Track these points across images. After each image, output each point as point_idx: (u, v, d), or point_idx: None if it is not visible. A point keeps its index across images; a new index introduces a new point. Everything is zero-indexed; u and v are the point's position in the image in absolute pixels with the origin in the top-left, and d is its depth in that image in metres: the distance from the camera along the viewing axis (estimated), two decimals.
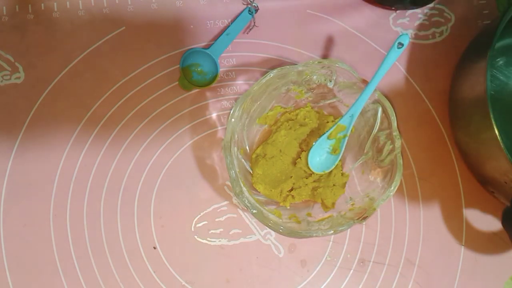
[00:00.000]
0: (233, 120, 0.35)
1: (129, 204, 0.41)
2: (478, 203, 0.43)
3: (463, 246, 0.42)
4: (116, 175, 0.41)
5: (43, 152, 0.41)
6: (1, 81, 0.41)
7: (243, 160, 0.39)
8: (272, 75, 0.36)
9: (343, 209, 0.38)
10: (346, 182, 0.40)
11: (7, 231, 0.40)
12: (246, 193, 0.35)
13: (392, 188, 0.35)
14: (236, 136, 0.36)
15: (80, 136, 0.41)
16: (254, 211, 0.34)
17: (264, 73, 0.40)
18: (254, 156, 0.40)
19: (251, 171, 0.40)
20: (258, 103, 0.38)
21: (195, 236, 0.41)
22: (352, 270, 0.41)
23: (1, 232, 0.40)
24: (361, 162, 0.40)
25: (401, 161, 0.35)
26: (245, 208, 0.35)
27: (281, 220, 0.37)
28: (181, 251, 0.41)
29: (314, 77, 0.37)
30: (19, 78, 0.41)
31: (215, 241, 0.41)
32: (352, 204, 0.38)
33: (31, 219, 0.40)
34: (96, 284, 0.40)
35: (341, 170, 0.40)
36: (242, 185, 0.35)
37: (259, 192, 0.39)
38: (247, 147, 0.40)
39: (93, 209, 0.40)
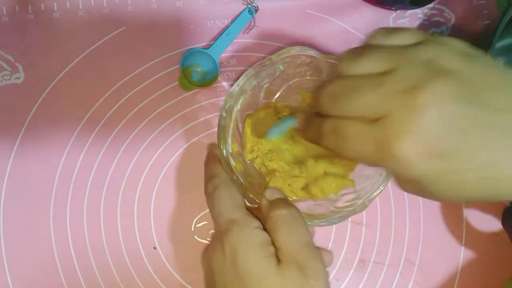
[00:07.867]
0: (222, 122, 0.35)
1: (129, 204, 0.41)
2: (478, 203, 0.43)
3: (463, 246, 0.42)
4: (116, 175, 0.41)
5: (43, 152, 0.41)
6: (1, 81, 0.41)
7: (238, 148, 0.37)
8: (245, 79, 0.34)
9: (336, 200, 0.37)
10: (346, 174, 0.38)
11: (7, 231, 0.40)
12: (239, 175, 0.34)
13: (387, 181, 0.34)
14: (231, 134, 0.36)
15: (80, 136, 0.41)
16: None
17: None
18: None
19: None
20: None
21: (195, 236, 0.41)
22: (352, 270, 0.41)
23: (1, 232, 0.40)
24: None
25: None
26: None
27: None
28: (181, 251, 0.41)
29: (280, 66, 0.36)
30: (19, 78, 0.41)
31: None
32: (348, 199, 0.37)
33: (31, 219, 0.40)
34: (96, 284, 0.40)
35: (317, 159, 0.37)
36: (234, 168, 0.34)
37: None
38: (239, 146, 0.39)
39: (93, 209, 0.40)
